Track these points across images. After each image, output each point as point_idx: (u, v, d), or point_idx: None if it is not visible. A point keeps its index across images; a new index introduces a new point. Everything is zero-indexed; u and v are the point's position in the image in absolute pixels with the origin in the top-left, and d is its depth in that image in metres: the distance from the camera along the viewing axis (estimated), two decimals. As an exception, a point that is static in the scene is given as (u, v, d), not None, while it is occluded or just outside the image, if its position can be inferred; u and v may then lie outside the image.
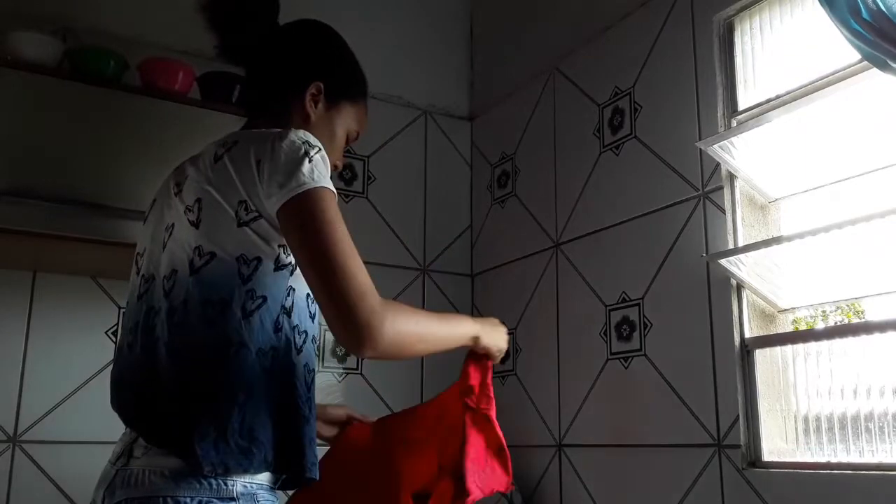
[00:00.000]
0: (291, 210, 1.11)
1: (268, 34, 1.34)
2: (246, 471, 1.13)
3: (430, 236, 2.37)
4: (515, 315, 2.20)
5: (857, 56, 1.31)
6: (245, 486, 1.14)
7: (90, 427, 1.79)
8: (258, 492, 1.15)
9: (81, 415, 1.81)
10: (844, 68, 1.40)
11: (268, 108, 1.32)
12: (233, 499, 1.12)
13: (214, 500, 1.11)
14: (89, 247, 1.64)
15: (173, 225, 1.20)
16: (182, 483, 1.10)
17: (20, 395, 1.78)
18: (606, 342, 1.86)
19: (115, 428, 1.92)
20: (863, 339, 1.37)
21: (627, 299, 1.82)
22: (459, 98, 2.53)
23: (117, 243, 1.63)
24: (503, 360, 1.41)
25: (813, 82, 1.46)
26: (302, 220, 1.11)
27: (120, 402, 1.22)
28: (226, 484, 1.12)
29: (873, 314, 1.48)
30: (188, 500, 1.10)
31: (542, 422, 2.03)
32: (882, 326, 1.33)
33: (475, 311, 2.38)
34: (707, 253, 1.61)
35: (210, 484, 1.11)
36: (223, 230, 1.15)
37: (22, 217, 1.55)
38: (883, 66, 1.20)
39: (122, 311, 1.45)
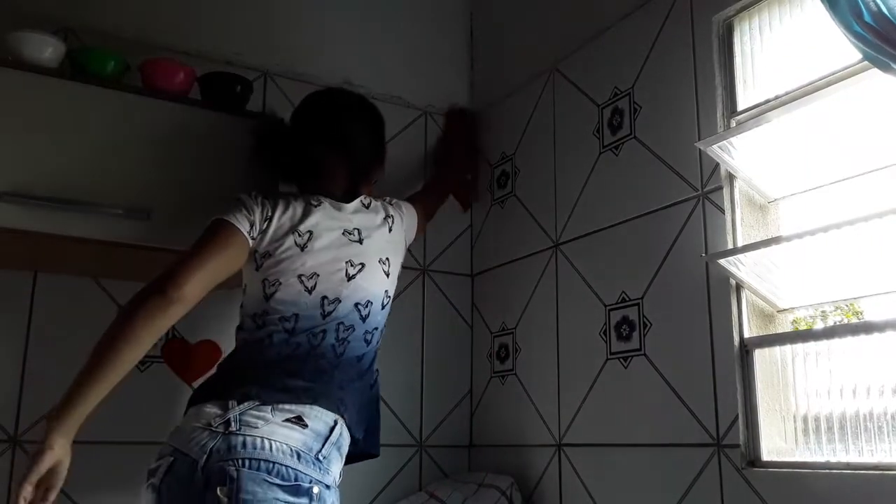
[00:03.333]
0: None
1: (359, 120, 1.76)
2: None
3: (430, 236, 2.36)
4: (515, 315, 2.20)
5: (856, 56, 1.31)
6: (335, 479, 1.40)
7: (90, 427, 1.78)
8: (334, 486, 1.40)
9: (82, 414, 1.81)
10: (844, 69, 1.40)
11: (360, 182, 1.73)
12: (328, 487, 1.36)
13: (321, 483, 1.34)
14: (89, 247, 1.64)
15: (363, 265, 1.59)
16: (303, 459, 1.33)
17: (20, 395, 1.78)
18: (606, 342, 1.86)
19: (114, 427, 1.92)
20: (862, 339, 1.38)
21: (627, 299, 1.82)
22: (459, 98, 2.53)
23: (117, 243, 1.63)
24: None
25: (812, 83, 1.46)
26: None
27: (282, 377, 1.43)
28: (329, 472, 1.37)
29: (872, 314, 1.49)
30: (304, 476, 1.31)
31: (541, 421, 2.03)
32: (881, 326, 1.33)
33: (475, 311, 2.38)
34: (706, 253, 1.62)
35: (320, 468, 1.35)
36: (395, 282, 1.68)
37: (22, 217, 1.56)
38: (885, 68, 1.20)
39: (277, 311, 1.58)
